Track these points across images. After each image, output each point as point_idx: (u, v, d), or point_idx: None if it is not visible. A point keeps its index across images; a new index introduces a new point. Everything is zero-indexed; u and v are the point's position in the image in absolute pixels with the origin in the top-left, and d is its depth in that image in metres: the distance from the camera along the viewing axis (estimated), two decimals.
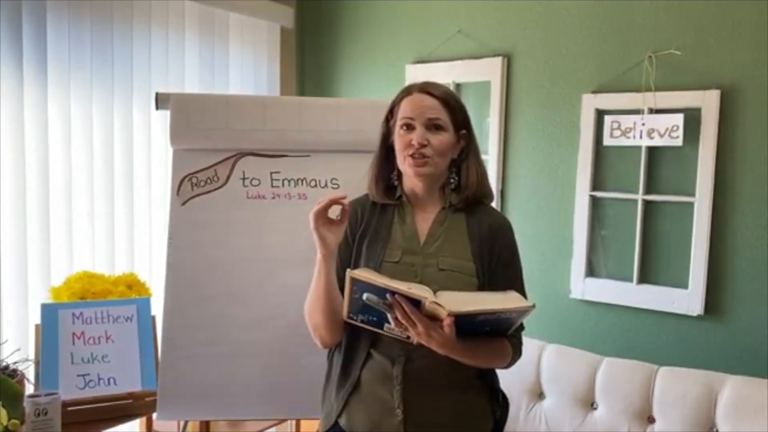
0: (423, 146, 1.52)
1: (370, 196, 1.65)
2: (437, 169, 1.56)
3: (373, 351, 1.55)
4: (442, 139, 1.54)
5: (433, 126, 1.53)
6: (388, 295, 1.35)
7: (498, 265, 1.56)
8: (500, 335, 1.49)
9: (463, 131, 1.59)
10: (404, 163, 1.56)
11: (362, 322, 1.47)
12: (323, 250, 1.49)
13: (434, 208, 1.61)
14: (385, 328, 1.45)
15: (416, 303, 1.35)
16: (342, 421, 1.59)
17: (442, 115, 1.54)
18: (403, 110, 1.56)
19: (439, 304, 1.32)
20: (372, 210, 1.63)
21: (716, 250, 2.30)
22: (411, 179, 1.59)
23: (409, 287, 1.35)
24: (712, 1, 2.28)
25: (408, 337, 1.43)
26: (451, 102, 1.57)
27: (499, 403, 1.64)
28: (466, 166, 1.60)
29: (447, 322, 1.32)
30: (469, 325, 1.37)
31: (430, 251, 1.55)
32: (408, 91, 1.59)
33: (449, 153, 1.57)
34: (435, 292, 1.39)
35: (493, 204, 1.68)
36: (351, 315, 1.47)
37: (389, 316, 1.38)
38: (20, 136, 2.29)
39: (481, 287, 1.52)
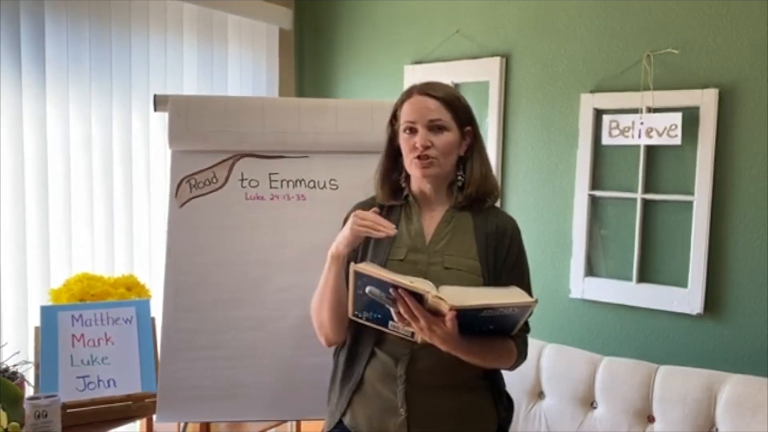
0: (426, 148, 1.52)
1: (377, 199, 1.65)
2: (443, 170, 1.57)
3: (378, 350, 1.56)
4: (445, 139, 1.54)
5: (436, 127, 1.54)
6: (390, 290, 1.35)
7: (504, 266, 1.57)
8: (505, 335, 1.49)
9: (468, 128, 1.59)
10: (411, 165, 1.57)
11: (367, 319, 1.48)
12: (344, 249, 1.52)
13: (441, 207, 1.61)
14: (389, 326, 1.46)
15: (419, 297, 1.35)
16: (346, 420, 1.60)
17: (444, 116, 1.55)
18: (405, 113, 1.57)
19: (442, 298, 1.32)
20: (378, 211, 1.63)
21: (715, 249, 2.30)
22: (418, 180, 1.59)
23: (412, 281, 1.36)
24: (711, 1, 2.28)
25: (412, 335, 1.43)
26: (452, 101, 1.57)
27: (504, 405, 1.64)
28: (471, 163, 1.60)
29: (449, 316, 1.33)
30: (471, 321, 1.37)
31: (435, 249, 1.56)
32: (409, 93, 1.60)
33: (454, 152, 1.58)
34: (438, 287, 1.40)
35: (497, 204, 1.69)
36: (356, 312, 1.48)
37: (392, 311, 1.38)
38: (19, 138, 2.29)
39: (487, 286, 1.52)
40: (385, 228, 1.47)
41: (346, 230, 1.50)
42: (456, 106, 1.57)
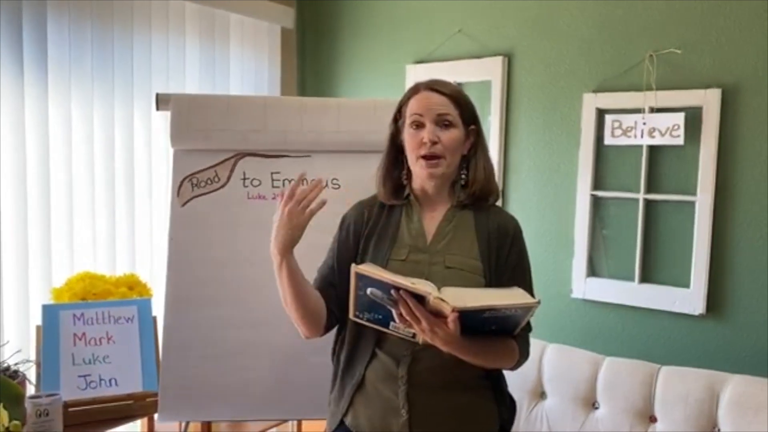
0: (434, 143, 1.52)
1: (379, 197, 1.65)
2: (449, 168, 1.56)
3: (378, 350, 1.55)
4: (452, 135, 1.54)
5: (443, 122, 1.53)
6: (392, 291, 1.35)
7: (506, 266, 1.56)
8: (507, 335, 1.49)
9: (472, 127, 1.59)
10: (416, 164, 1.55)
11: (368, 320, 1.47)
12: (278, 247, 1.48)
13: (443, 206, 1.60)
14: (390, 327, 1.45)
15: (421, 299, 1.34)
16: (348, 420, 1.59)
17: (451, 111, 1.54)
18: (412, 108, 1.56)
19: (444, 300, 1.32)
20: (379, 211, 1.63)
21: (718, 249, 2.30)
22: (422, 179, 1.58)
23: (413, 282, 1.35)
24: (713, 0, 2.27)
25: (413, 336, 1.43)
26: (459, 98, 1.57)
27: (506, 405, 1.63)
28: (475, 162, 1.59)
29: (451, 317, 1.32)
30: (473, 322, 1.36)
31: (437, 249, 1.55)
32: (416, 89, 1.59)
33: (460, 150, 1.57)
34: (439, 288, 1.39)
35: (498, 203, 1.68)
36: (357, 313, 1.47)
37: (394, 312, 1.38)
38: (21, 137, 2.29)
39: (488, 286, 1.52)
40: (309, 195, 1.46)
41: (274, 231, 1.47)
42: (462, 104, 1.57)
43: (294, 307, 1.53)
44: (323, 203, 1.49)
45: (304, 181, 1.52)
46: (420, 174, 1.56)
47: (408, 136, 1.56)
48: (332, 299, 1.57)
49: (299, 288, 1.52)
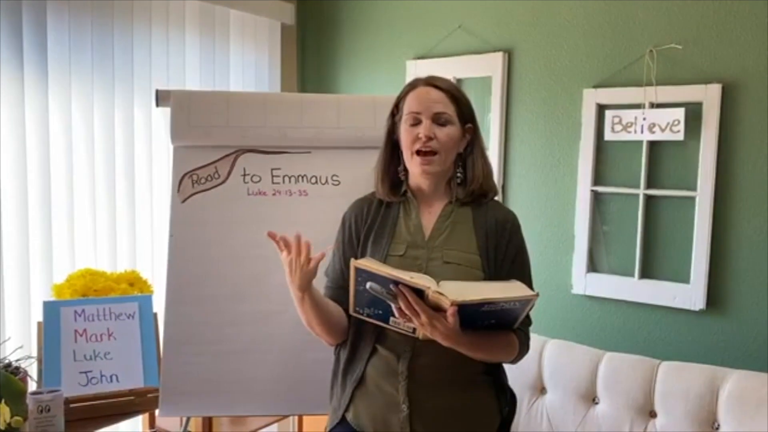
0: (430, 139, 1.52)
1: (377, 194, 1.65)
2: (443, 166, 1.56)
3: (379, 346, 1.55)
4: (449, 132, 1.54)
5: (440, 120, 1.54)
6: (391, 285, 1.35)
7: (505, 260, 1.56)
8: (506, 328, 1.49)
9: (469, 125, 1.59)
10: (411, 160, 1.56)
11: (368, 315, 1.48)
12: (299, 290, 1.49)
13: (440, 202, 1.61)
14: (390, 322, 1.45)
15: (420, 293, 1.34)
16: (349, 416, 1.60)
17: (449, 109, 1.55)
18: (409, 104, 1.56)
19: (442, 294, 1.32)
20: (378, 207, 1.63)
21: (718, 245, 2.29)
22: (417, 176, 1.59)
23: (412, 277, 1.35)
24: None
25: (413, 331, 1.43)
26: (456, 95, 1.57)
27: (507, 400, 1.64)
28: (472, 160, 1.60)
29: (450, 311, 1.32)
30: (473, 316, 1.37)
31: (435, 245, 1.56)
32: (413, 85, 1.59)
33: (456, 147, 1.57)
34: (438, 282, 1.39)
35: (496, 198, 1.68)
36: (357, 308, 1.47)
37: (393, 306, 1.38)
38: (21, 133, 2.30)
39: (487, 281, 1.52)
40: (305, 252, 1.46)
41: (287, 273, 1.49)
42: (460, 101, 1.57)
43: (319, 327, 1.56)
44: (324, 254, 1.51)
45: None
46: (414, 170, 1.57)
47: (404, 132, 1.56)
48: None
49: (322, 310, 1.54)
